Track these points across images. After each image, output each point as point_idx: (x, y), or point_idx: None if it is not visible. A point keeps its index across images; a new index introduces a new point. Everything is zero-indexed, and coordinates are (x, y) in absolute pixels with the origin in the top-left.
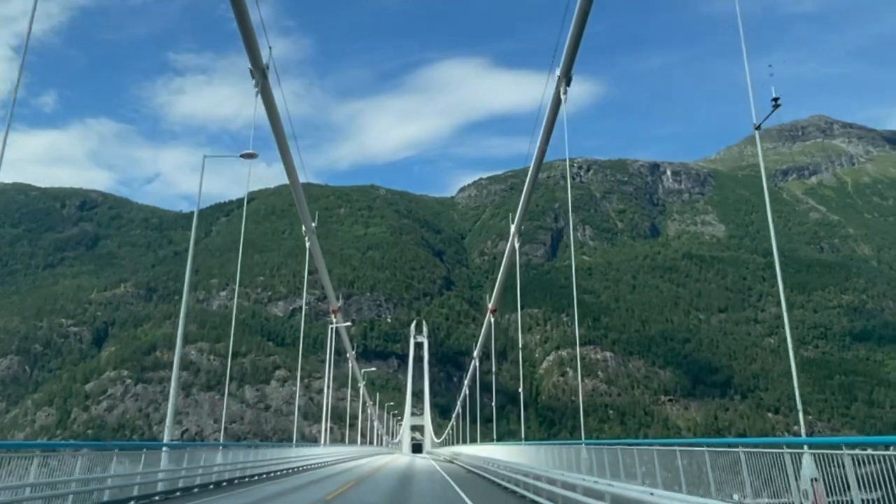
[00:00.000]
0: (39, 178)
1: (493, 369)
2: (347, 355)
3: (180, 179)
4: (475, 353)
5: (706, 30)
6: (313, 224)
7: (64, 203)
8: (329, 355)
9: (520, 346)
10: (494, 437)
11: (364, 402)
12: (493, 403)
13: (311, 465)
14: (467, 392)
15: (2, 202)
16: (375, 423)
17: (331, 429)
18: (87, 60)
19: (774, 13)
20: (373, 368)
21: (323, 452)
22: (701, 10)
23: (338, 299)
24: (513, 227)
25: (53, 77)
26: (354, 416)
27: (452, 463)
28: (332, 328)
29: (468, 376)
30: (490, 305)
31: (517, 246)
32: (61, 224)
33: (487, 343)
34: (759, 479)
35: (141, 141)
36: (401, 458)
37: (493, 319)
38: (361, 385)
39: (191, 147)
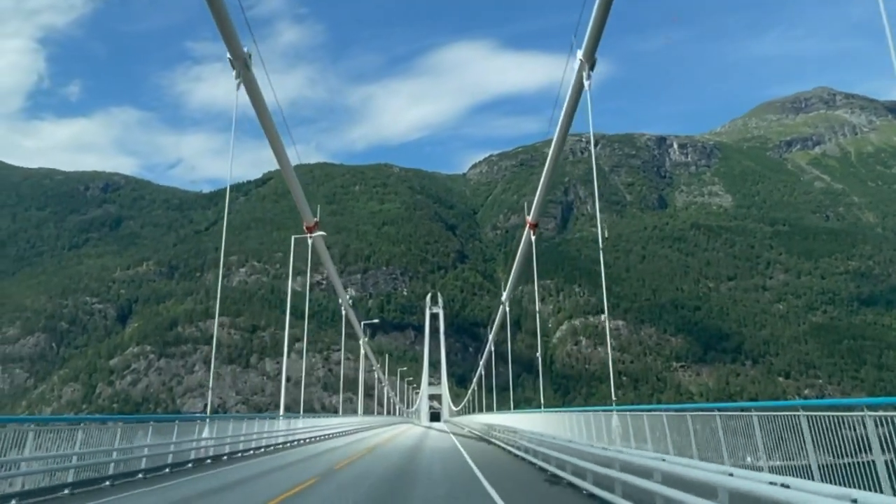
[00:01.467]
0: (66, 164)
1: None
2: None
3: (202, 164)
4: (495, 325)
5: (708, 9)
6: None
7: (88, 186)
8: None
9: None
10: (511, 405)
11: (367, 361)
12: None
13: (291, 441)
14: (493, 348)
15: (28, 186)
16: (386, 390)
17: (350, 399)
18: (109, 51)
19: None
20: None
21: (323, 424)
22: None
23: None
24: (529, 219)
25: (77, 68)
26: (372, 387)
27: (486, 442)
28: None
29: (486, 346)
30: (504, 297)
31: (532, 238)
32: (85, 206)
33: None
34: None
35: (163, 127)
36: (413, 429)
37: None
38: (363, 342)
39: (211, 133)
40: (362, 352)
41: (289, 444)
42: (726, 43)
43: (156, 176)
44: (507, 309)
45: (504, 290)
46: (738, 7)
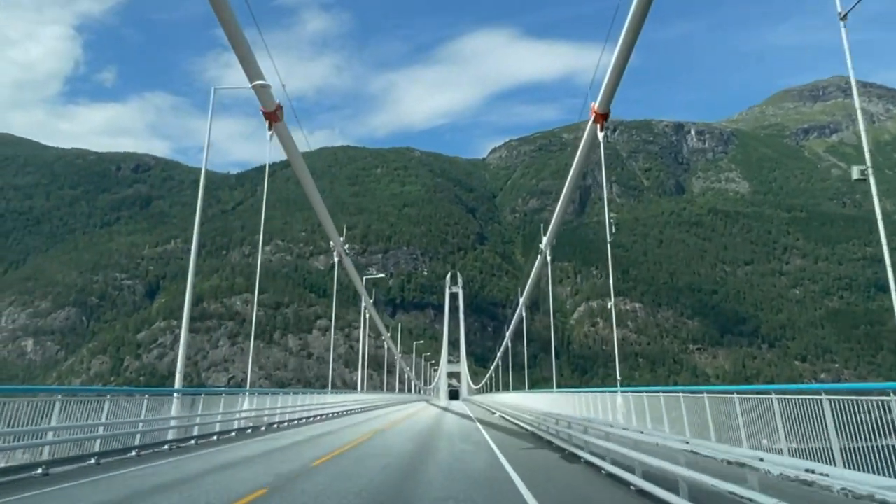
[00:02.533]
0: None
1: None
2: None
3: (231, 147)
4: (521, 300)
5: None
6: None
7: (119, 166)
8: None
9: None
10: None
11: (373, 331)
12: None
13: (280, 421)
14: (524, 314)
15: (62, 166)
16: (398, 363)
17: (370, 376)
18: (142, 38)
19: None
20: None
21: (329, 402)
22: None
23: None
24: (544, 242)
25: (112, 54)
26: (392, 364)
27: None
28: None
29: (512, 323)
30: (544, 242)
31: (549, 259)
32: (117, 186)
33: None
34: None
35: (195, 112)
36: (428, 409)
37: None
38: (365, 302)
39: (240, 118)
40: (364, 314)
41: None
42: (743, 32)
43: (187, 159)
44: (549, 257)
45: (545, 235)
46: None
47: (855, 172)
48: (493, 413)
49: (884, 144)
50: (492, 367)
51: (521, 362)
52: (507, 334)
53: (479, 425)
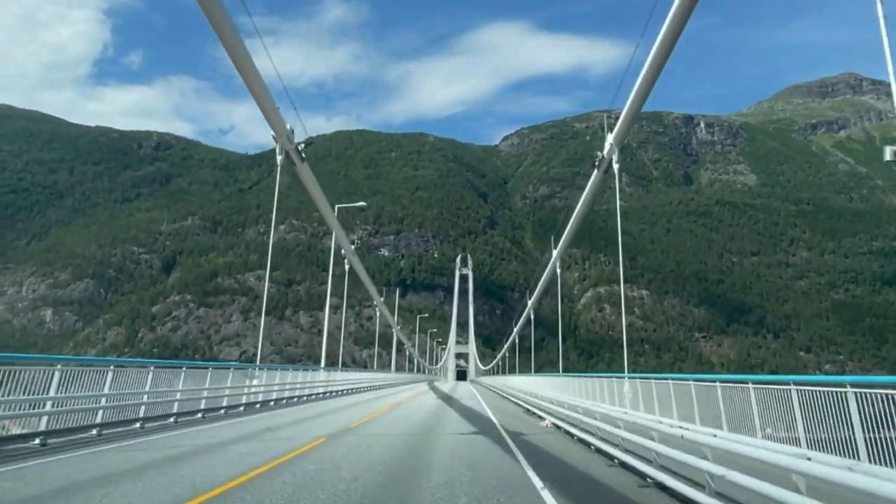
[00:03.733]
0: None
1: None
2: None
3: (252, 131)
4: (530, 303)
5: None
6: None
7: (141, 144)
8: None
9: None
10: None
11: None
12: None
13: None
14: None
15: (86, 142)
16: (397, 339)
17: (380, 354)
18: (167, 23)
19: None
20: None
21: (317, 381)
22: None
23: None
24: (555, 252)
25: (140, 38)
26: (401, 343)
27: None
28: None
29: (522, 316)
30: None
31: (558, 271)
32: (138, 163)
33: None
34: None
35: (217, 96)
36: (427, 397)
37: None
38: (346, 259)
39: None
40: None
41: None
42: (754, 29)
43: (210, 140)
44: (558, 269)
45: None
46: None
47: (888, 154)
48: (520, 405)
49: (892, 141)
50: (502, 351)
51: (528, 344)
52: (517, 324)
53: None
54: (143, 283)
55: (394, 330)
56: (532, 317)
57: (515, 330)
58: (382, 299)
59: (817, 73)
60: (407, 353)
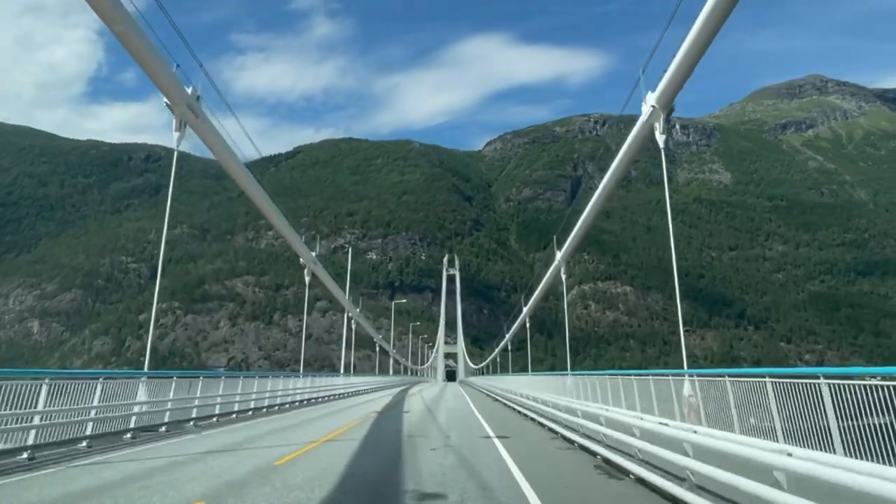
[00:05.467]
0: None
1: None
2: None
3: (244, 144)
4: (525, 310)
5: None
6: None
7: (131, 156)
8: None
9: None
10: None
11: (372, 312)
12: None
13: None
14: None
15: (76, 155)
16: (389, 344)
17: (369, 356)
18: (162, 41)
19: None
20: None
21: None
22: None
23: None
24: (558, 255)
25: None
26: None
27: None
28: None
29: (522, 312)
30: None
31: (564, 278)
32: (128, 175)
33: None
34: None
35: (209, 112)
36: (379, 410)
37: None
38: (306, 270)
39: (252, 117)
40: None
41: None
42: (723, 38)
43: (203, 153)
44: (563, 275)
45: (559, 251)
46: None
47: None
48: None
49: (857, 139)
50: (493, 354)
51: (516, 343)
52: (512, 330)
53: None
54: (132, 293)
55: (375, 340)
56: (528, 324)
57: (507, 336)
58: (354, 306)
59: (785, 75)
60: (395, 354)
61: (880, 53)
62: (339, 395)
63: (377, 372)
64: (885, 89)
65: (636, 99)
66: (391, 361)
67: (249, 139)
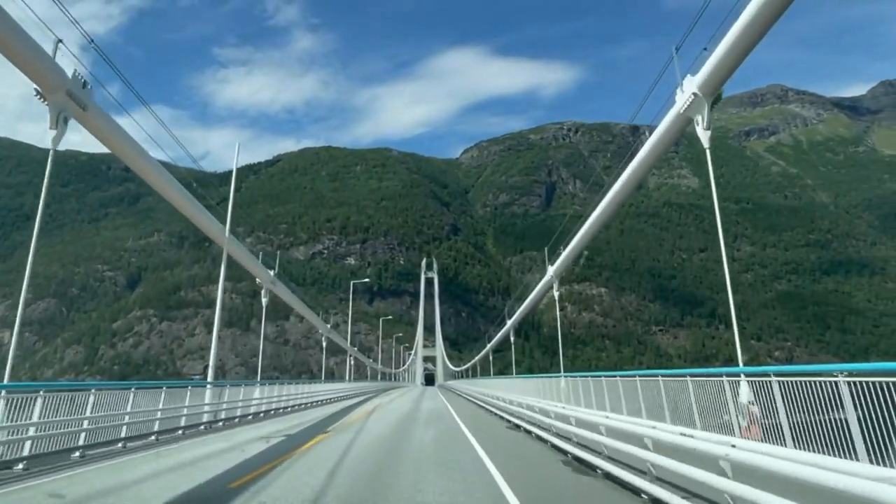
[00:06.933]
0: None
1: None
2: None
3: (226, 156)
4: (510, 322)
5: (669, 23)
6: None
7: (110, 166)
8: None
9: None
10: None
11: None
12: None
13: None
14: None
15: (54, 165)
16: (366, 349)
17: (346, 360)
18: (144, 56)
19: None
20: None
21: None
22: (666, 6)
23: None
24: (550, 270)
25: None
26: (370, 349)
27: None
28: None
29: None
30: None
31: (556, 294)
32: (107, 184)
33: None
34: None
35: (193, 124)
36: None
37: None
38: (263, 291)
39: (235, 129)
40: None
41: None
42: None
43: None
44: (556, 291)
45: (551, 266)
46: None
47: None
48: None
49: (817, 144)
50: (473, 360)
51: (497, 349)
52: (494, 340)
53: None
54: (107, 301)
55: (349, 352)
56: (512, 337)
57: (490, 345)
58: (328, 316)
59: (748, 85)
60: (372, 358)
61: (837, 65)
62: (310, 403)
63: (350, 378)
64: (841, 98)
65: (607, 108)
66: (368, 368)
67: (239, 148)
